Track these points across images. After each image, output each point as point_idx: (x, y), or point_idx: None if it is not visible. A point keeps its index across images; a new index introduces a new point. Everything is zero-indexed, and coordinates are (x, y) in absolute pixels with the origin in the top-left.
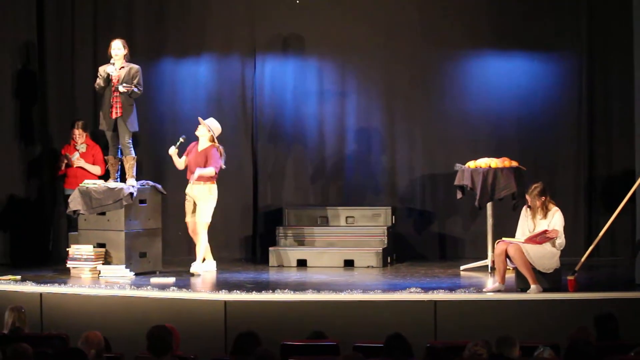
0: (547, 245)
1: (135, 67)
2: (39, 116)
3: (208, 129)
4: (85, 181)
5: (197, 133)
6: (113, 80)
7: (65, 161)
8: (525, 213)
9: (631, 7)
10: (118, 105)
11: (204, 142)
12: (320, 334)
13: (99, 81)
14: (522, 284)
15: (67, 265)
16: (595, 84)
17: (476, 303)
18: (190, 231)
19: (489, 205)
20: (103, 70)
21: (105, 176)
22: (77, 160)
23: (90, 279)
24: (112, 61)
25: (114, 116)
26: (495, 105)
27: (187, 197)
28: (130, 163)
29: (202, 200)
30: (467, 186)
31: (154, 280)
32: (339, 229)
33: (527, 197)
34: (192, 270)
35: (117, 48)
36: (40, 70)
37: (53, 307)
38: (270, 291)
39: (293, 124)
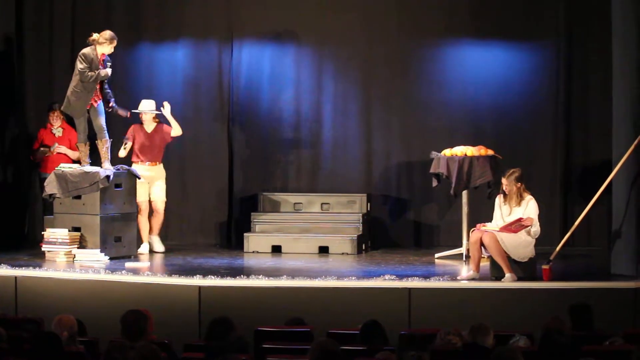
0: (522, 234)
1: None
2: (16, 100)
3: (154, 114)
4: (61, 165)
5: (145, 118)
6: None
7: (45, 155)
8: (499, 201)
9: None
10: (98, 94)
11: (150, 123)
12: (299, 320)
13: (91, 75)
14: (496, 273)
15: (42, 249)
16: (573, 74)
17: (450, 291)
18: (141, 211)
19: (464, 194)
20: (105, 74)
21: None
22: (57, 148)
23: (65, 262)
24: (100, 50)
25: (96, 105)
26: (473, 94)
27: (140, 179)
28: (105, 146)
29: (159, 180)
30: (442, 174)
31: (129, 264)
32: (314, 216)
33: (504, 180)
34: (156, 249)
35: (114, 45)
36: (18, 55)
37: (28, 290)
38: (245, 277)
39: (269, 110)
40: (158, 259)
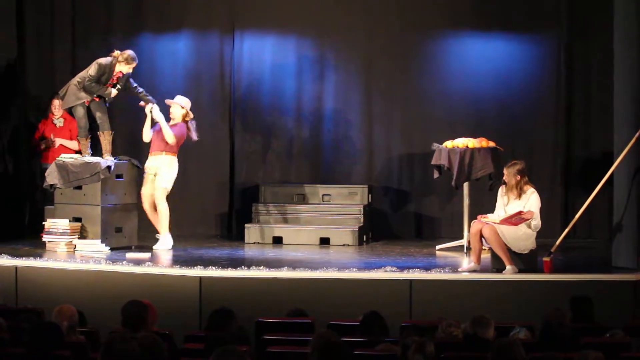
0: (522, 227)
1: (129, 73)
2: (17, 91)
3: (181, 106)
4: (62, 155)
5: (171, 116)
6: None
7: (45, 146)
8: (501, 190)
9: None
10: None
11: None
12: (301, 311)
13: (93, 86)
14: (497, 265)
15: (43, 239)
16: (574, 66)
17: (451, 283)
18: (144, 203)
19: (465, 185)
20: (108, 93)
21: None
22: (56, 140)
23: (65, 253)
24: (118, 68)
25: (98, 99)
26: (474, 86)
27: (146, 169)
28: (108, 138)
29: (164, 169)
30: (444, 166)
31: (130, 255)
32: (316, 207)
33: (505, 170)
34: (155, 246)
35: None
36: (19, 45)
37: (28, 280)
38: (246, 268)
39: (271, 101)
40: (159, 250)
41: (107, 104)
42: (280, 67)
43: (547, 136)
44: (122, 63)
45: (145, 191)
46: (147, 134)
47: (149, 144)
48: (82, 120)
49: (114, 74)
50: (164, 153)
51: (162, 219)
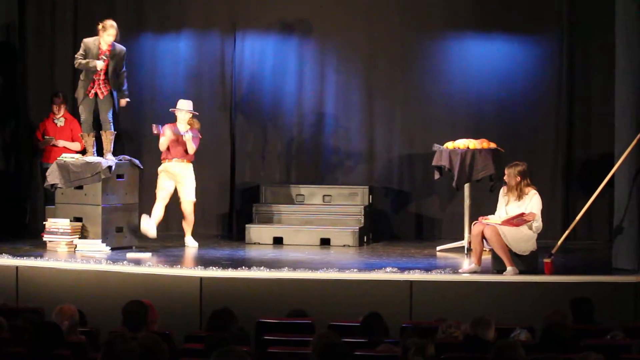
0: (523, 228)
1: (123, 51)
2: (18, 90)
3: (189, 111)
4: (63, 155)
5: (180, 121)
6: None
7: (46, 145)
8: (502, 192)
9: None
10: (102, 87)
11: (182, 127)
12: (301, 312)
13: (80, 62)
14: (498, 266)
15: (44, 239)
16: (575, 67)
17: (452, 284)
18: (160, 204)
19: (466, 186)
20: (93, 65)
21: (83, 152)
22: (56, 142)
23: (66, 252)
24: (103, 40)
25: (102, 97)
26: (475, 87)
27: (165, 172)
28: (109, 138)
29: (187, 179)
30: (445, 167)
31: (130, 255)
32: (316, 207)
33: (506, 170)
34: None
35: (113, 35)
36: (20, 44)
37: (29, 280)
38: (246, 268)
39: (272, 101)
40: (160, 249)
41: (118, 108)
42: (281, 67)
43: (548, 137)
44: (101, 31)
45: (165, 194)
46: (165, 145)
47: (157, 141)
48: (83, 115)
49: (104, 49)
50: (185, 161)
51: (191, 227)
